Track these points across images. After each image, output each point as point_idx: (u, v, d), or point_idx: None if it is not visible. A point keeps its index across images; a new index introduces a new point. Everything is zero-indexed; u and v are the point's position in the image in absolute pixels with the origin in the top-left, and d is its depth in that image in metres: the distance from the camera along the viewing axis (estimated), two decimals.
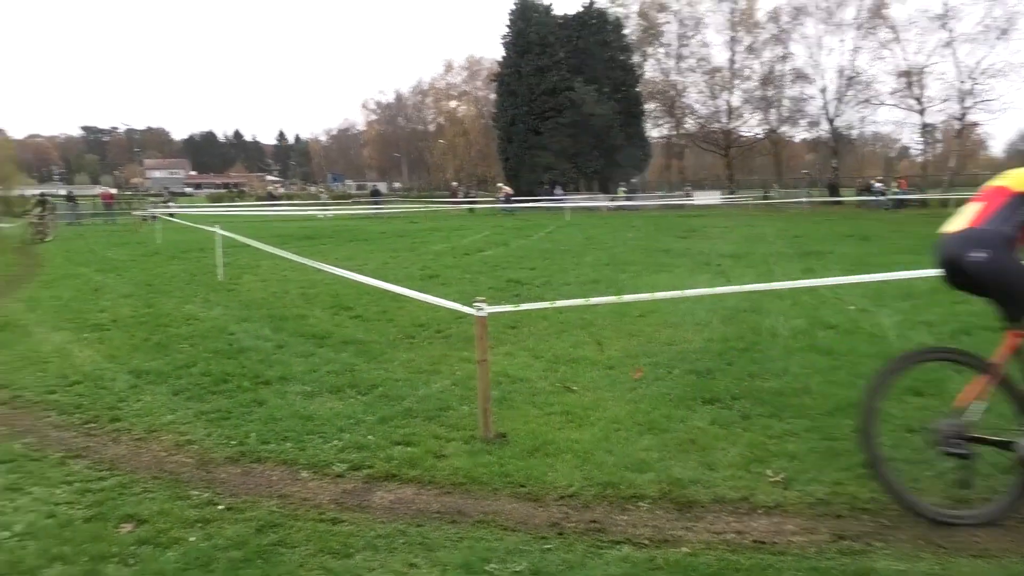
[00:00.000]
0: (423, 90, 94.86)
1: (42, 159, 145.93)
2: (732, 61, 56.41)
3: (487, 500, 4.32)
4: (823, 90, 53.33)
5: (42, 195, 31.58)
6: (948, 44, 46.81)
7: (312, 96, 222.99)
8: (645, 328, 8.72)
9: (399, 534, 3.91)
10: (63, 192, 54.38)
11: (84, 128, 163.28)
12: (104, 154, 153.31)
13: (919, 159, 57.04)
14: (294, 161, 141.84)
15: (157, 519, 4.09)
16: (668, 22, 57.90)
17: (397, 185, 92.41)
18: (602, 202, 43.52)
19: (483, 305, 5.27)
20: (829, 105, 53.14)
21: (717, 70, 56.98)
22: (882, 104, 51.86)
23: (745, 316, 9.24)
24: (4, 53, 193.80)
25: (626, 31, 55.72)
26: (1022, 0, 43.42)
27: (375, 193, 53.33)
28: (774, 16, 54.52)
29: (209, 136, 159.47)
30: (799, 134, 60.18)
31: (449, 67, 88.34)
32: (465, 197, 50.06)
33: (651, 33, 57.70)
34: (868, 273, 7.80)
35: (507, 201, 43.47)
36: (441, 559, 3.64)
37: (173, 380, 6.88)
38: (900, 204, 38.78)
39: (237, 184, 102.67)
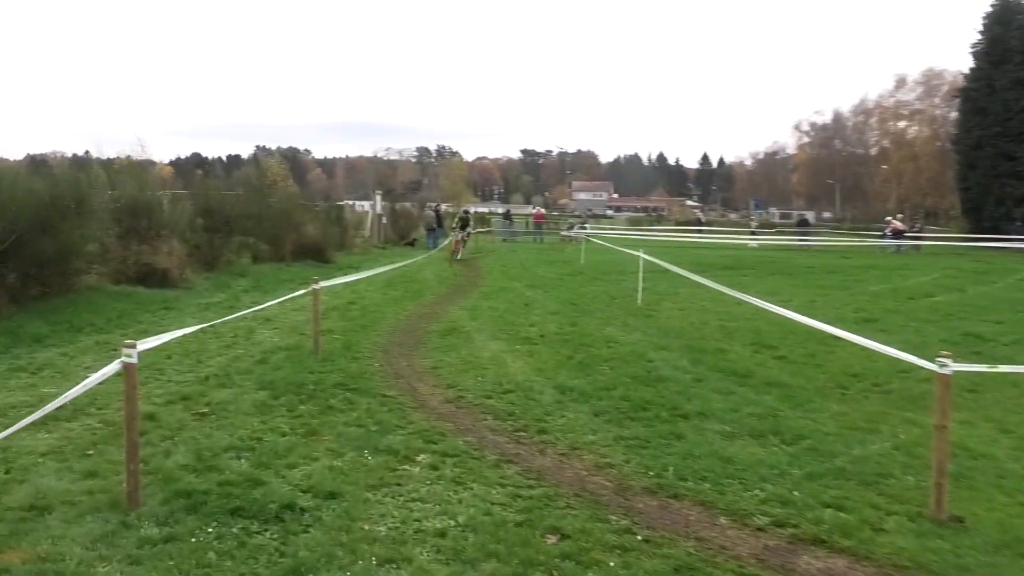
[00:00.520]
0: (867, 109, 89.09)
1: (486, 179, 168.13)
2: None
3: None
4: None
5: (464, 212, 36.18)
6: None
7: (740, 117, 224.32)
8: None
9: None
10: (501, 210, 62.16)
11: (523, 151, 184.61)
12: (538, 175, 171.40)
13: None
14: (715, 186, 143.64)
15: (579, 537, 4.40)
16: None
17: (827, 215, 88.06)
18: None
19: (948, 361, 4.73)
20: None
21: None
22: None
23: None
24: (450, 88, 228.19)
25: None
26: None
27: (802, 223, 51.56)
28: None
29: (634, 159, 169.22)
30: None
31: (901, 82, 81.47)
32: (908, 232, 45.76)
33: None
34: None
35: (896, 237, 38.13)
36: None
37: (594, 401, 7.37)
38: None
39: (656, 208, 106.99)
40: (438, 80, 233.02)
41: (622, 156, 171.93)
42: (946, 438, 4.74)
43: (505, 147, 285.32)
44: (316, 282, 9.76)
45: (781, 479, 5.35)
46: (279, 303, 10.56)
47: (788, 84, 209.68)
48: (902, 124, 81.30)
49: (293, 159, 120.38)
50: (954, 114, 52.94)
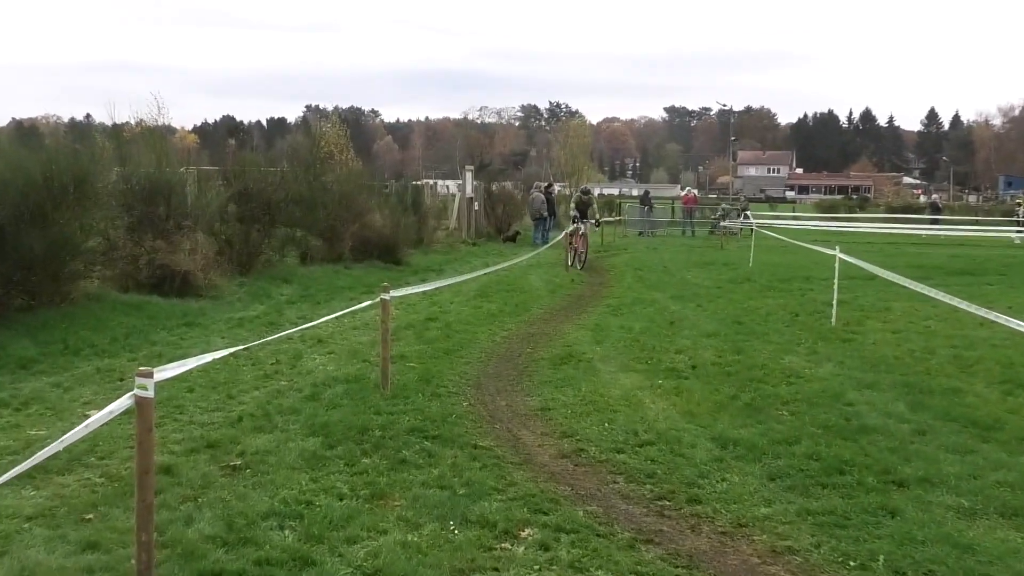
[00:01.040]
0: None
1: (616, 149, 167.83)
2: None
3: None
4: None
5: (584, 193, 34.77)
6: None
7: (986, 58, 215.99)
8: None
9: None
10: (636, 192, 61.93)
11: (668, 110, 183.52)
12: (689, 143, 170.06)
13: None
14: (946, 155, 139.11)
15: None
16: None
17: None
18: None
19: None
20: None
21: None
22: None
23: None
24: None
25: None
26: None
27: None
28: None
29: (826, 119, 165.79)
30: None
31: None
32: None
33: None
34: None
35: None
36: None
37: (769, 459, 7.25)
38: None
39: (858, 187, 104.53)
40: (551, 9, 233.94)
41: (809, 115, 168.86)
42: None
43: (644, 105, 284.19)
44: (385, 290, 9.90)
45: None
46: (335, 318, 10.81)
47: None
48: None
49: (355, 123, 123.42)
50: None
